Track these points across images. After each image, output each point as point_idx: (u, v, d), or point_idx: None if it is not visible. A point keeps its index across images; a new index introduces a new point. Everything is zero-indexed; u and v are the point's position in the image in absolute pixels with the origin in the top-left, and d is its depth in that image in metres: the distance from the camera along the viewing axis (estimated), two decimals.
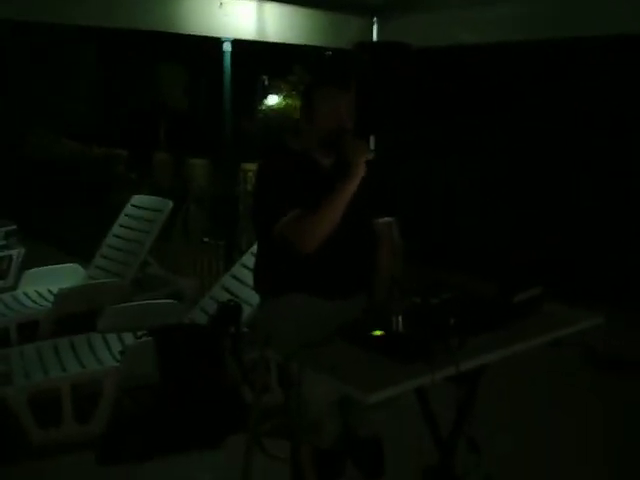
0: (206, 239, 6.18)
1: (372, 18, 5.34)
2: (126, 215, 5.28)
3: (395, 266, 2.85)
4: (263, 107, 12.69)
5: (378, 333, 2.18)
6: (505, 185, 7.23)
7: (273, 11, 4.89)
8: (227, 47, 5.10)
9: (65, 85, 12.12)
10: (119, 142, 12.02)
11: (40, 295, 4.96)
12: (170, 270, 5.53)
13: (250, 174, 6.65)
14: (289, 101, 12.57)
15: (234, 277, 4.41)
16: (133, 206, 5.29)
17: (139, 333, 3.90)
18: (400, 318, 2.18)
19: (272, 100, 12.61)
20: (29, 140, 12.06)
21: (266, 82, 12.55)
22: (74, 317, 4.63)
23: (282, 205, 2.58)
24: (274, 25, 4.91)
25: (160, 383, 3.71)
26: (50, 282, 5.06)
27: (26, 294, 4.98)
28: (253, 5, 4.79)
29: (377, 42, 4.99)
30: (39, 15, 4.12)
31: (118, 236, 5.20)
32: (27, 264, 5.84)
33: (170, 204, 5.03)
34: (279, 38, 4.97)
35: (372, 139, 5.31)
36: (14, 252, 6.00)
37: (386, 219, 2.87)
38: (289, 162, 2.69)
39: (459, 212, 7.36)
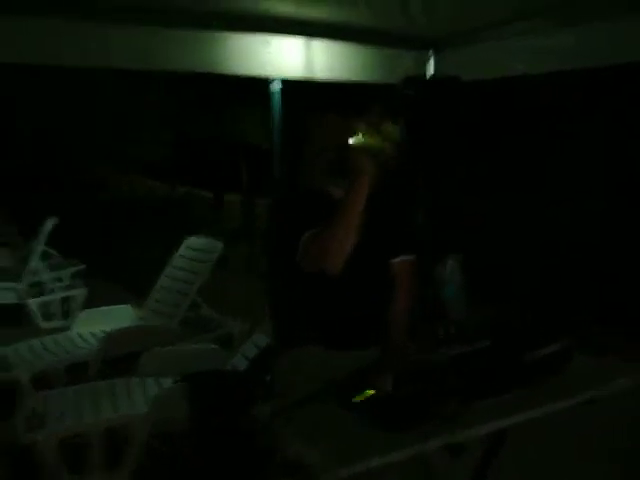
0: None
1: (427, 52, 5.19)
2: (180, 256, 5.28)
3: (410, 312, 2.66)
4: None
5: (368, 394, 1.99)
6: (561, 225, 6.88)
7: (321, 47, 4.81)
8: (276, 86, 5.04)
9: (147, 129, 12.47)
10: (200, 183, 12.21)
11: (93, 336, 4.99)
12: (224, 312, 5.47)
13: None
14: (371, 140, 12.37)
15: None
16: (187, 248, 5.29)
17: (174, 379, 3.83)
18: (391, 377, 1.98)
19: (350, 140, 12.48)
20: (111, 182, 12.48)
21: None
22: (124, 359, 4.64)
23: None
24: (322, 62, 4.82)
25: (189, 430, 3.63)
26: (103, 323, 5.08)
27: (80, 335, 5.02)
28: (300, 42, 4.73)
29: (424, 76, 4.81)
30: (78, 61, 4.18)
31: (170, 277, 5.20)
32: (96, 304, 5.92)
33: (220, 245, 4.99)
34: (328, 76, 4.87)
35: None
36: (77, 292, 6.11)
37: (405, 258, 2.68)
38: (301, 203, 2.57)
39: (518, 250, 7.02)
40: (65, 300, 6.07)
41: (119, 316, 5.17)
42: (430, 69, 5.09)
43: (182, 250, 5.28)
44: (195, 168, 12.51)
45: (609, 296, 6.53)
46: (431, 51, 5.18)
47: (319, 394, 2.07)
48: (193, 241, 5.27)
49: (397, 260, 2.66)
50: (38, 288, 6.34)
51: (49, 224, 6.72)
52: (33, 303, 5.91)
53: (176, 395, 3.65)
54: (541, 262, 7.07)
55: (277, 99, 5.08)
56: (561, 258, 6.98)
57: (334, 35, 4.81)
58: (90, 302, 6.25)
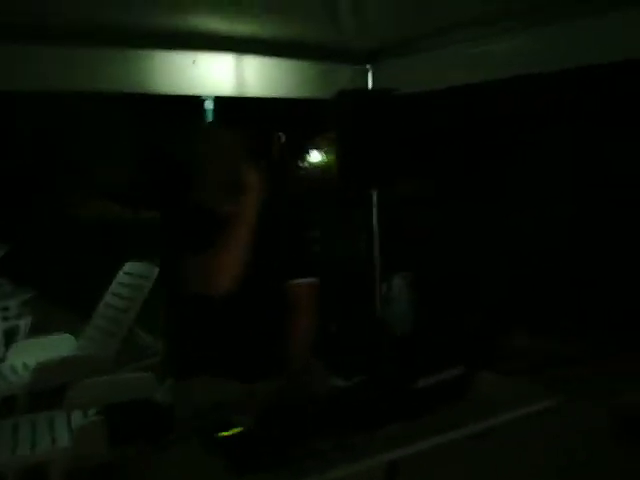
0: None
1: (365, 65, 5.09)
2: (117, 282, 5.12)
3: (309, 338, 2.51)
4: (305, 165, 12.44)
5: (235, 431, 1.84)
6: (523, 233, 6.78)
7: (253, 64, 4.70)
8: (208, 105, 4.93)
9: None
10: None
11: (26, 368, 4.81)
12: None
13: None
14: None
15: None
16: (124, 274, 5.13)
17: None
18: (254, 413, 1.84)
19: (314, 157, 12.37)
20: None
21: (282, 139, 12.27)
22: (58, 392, 4.47)
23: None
24: (255, 79, 4.71)
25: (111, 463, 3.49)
26: (39, 353, 4.91)
27: (12, 366, 4.84)
28: (231, 59, 4.62)
29: (357, 89, 4.70)
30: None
31: (107, 304, 5.04)
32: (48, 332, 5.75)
33: (156, 270, 4.83)
34: (261, 92, 4.76)
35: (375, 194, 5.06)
36: (21, 322, 5.93)
37: (304, 280, 2.54)
38: (186, 220, 2.44)
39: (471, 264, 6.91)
40: (11, 330, 5.89)
41: (57, 346, 4.99)
42: (368, 82, 5.00)
43: (119, 276, 5.12)
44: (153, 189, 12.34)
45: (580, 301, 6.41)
46: (368, 64, 5.11)
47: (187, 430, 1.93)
48: (130, 267, 5.11)
49: (295, 282, 2.52)
50: None
51: None
52: None
53: (96, 428, 3.50)
54: (503, 272, 6.96)
55: (209, 117, 4.97)
56: (525, 267, 6.88)
57: (266, 51, 4.72)
58: (43, 330, 6.06)
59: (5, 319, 6.15)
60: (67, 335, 5.13)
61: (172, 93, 4.49)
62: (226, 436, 1.80)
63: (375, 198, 5.02)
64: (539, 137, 7.27)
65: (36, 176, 11.98)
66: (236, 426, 1.82)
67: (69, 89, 4.32)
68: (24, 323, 5.98)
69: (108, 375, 4.35)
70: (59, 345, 5.02)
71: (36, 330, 6.11)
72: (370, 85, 5.07)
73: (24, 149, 12.31)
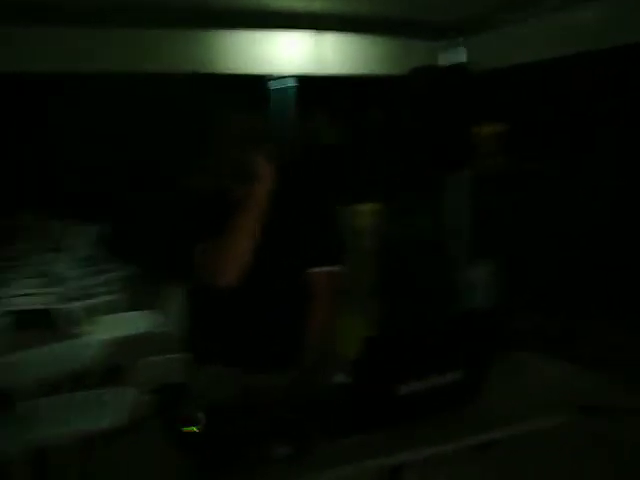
0: None
1: (444, 41, 4.79)
2: None
3: (331, 331, 2.36)
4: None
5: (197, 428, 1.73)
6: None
7: (332, 41, 4.54)
8: (282, 84, 4.80)
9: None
10: None
11: (101, 343, 4.90)
12: None
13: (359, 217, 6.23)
14: None
15: None
16: None
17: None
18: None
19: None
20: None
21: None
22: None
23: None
24: (333, 56, 4.56)
25: None
26: (117, 330, 5.00)
27: (88, 342, 4.94)
28: (308, 37, 4.48)
29: (432, 66, 4.43)
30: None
31: None
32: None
33: None
34: (339, 70, 4.60)
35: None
36: (109, 298, 6.07)
37: (325, 268, 2.38)
38: (197, 204, 2.35)
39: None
40: (99, 305, 6.06)
41: (136, 322, 5.08)
42: (450, 58, 4.72)
43: None
44: None
45: None
46: (458, 39, 4.82)
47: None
48: None
49: (314, 271, 2.36)
50: (81, 292, 6.38)
51: (94, 230, 6.77)
52: (65, 308, 5.93)
53: (145, 406, 3.50)
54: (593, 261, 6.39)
55: (285, 97, 4.84)
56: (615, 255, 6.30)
57: (344, 28, 4.55)
58: (137, 307, 6.20)
59: (93, 295, 6.34)
60: (147, 312, 5.20)
61: (249, 72, 4.44)
62: (185, 432, 1.70)
63: (453, 179, 4.76)
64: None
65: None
66: (200, 422, 1.71)
67: (133, 70, 4.32)
68: (113, 299, 6.12)
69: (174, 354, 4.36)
70: (138, 322, 5.10)
71: (132, 307, 6.25)
72: (462, 60, 4.80)
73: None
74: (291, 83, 4.80)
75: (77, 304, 6.08)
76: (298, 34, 4.48)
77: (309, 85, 4.79)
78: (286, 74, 4.70)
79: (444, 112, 4.19)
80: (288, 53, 4.49)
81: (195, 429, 1.70)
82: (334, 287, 2.38)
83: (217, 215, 2.22)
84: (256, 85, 4.81)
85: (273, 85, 4.81)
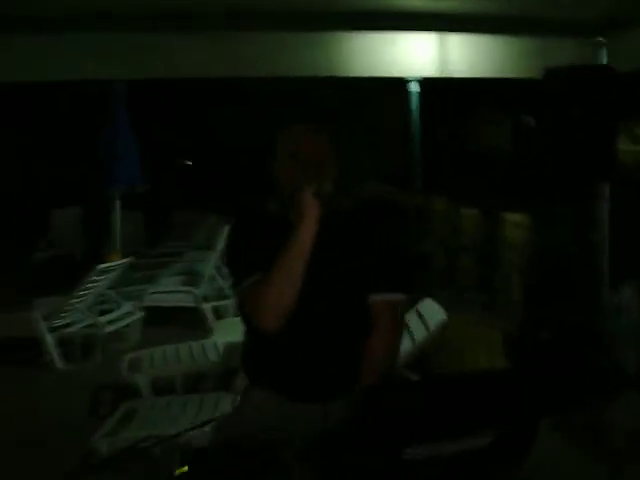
0: None
1: (593, 38, 4.39)
2: None
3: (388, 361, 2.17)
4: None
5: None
6: None
7: (457, 42, 4.30)
8: (414, 87, 4.63)
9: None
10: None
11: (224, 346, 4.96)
12: None
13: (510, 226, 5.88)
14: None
15: None
16: None
17: None
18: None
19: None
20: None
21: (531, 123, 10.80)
22: None
23: (244, 273, 2.14)
24: (459, 58, 4.31)
25: None
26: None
27: (216, 344, 5.02)
28: (433, 38, 4.27)
29: (572, 66, 4.03)
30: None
31: None
32: None
33: None
34: (466, 73, 4.35)
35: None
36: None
37: (389, 296, 2.19)
38: (257, 227, 2.21)
39: None
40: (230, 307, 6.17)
41: None
42: (589, 58, 4.30)
43: None
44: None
45: None
46: (600, 38, 4.40)
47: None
48: None
49: (376, 299, 2.18)
50: (214, 293, 6.56)
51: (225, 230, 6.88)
52: (198, 307, 6.12)
53: None
54: None
55: (414, 101, 4.66)
56: None
57: (470, 28, 4.29)
58: None
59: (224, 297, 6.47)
60: None
61: (371, 75, 4.30)
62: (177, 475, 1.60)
63: (595, 189, 4.35)
64: None
65: None
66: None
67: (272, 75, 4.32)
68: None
69: None
70: None
71: None
72: (604, 61, 4.39)
73: None
74: (415, 87, 4.62)
75: (207, 305, 6.24)
76: (422, 35, 4.29)
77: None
78: (410, 77, 4.54)
79: (585, 116, 3.81)
80: (412, 55, 4.32)
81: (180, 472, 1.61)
82: (396, 316, 2.20)
83: (268, 247, 2.10)
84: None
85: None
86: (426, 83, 4.81)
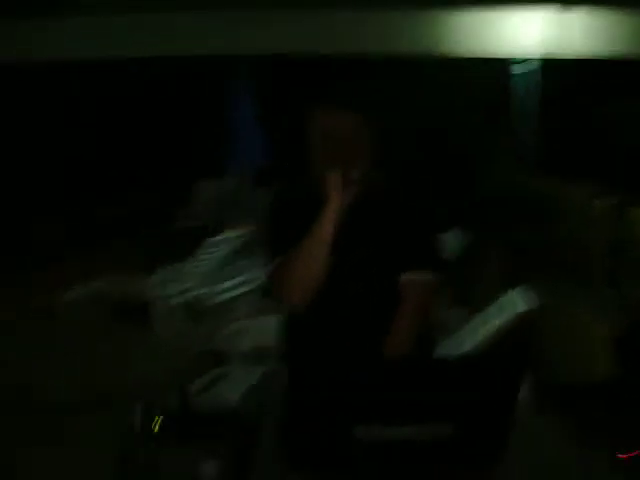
0: None
1: None
2: None
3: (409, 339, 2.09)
4: None
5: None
6: None
7: (576, 18, 4.01)
8: (519, 69, 4.36)
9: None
10: None
11: None
12: None
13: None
14: None
15: None
16: None
17: None
18: None
19: None
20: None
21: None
22: None
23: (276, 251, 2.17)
24: (579, 35, 4.02)
25: None
26: None
27: None
28: (546, 14, 4.00)
29: None
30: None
31: None
32: None
33: None
34: (587, 51, 4.04)
35: None
36: None
37: (416, 276, 2.11)
38: (292, 206, 2.21)
39: None
40: None
41: None
42: None
43: None
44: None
45: None
46: None
47: None
48: None
49: (405, 278, 2.10)
50: None
51: None
52: None
53: None
54: None
55: (522, 83, 4.41)
56: None
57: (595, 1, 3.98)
58: None
59: None
60: None
61: (477, 55, 4.12)
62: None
63: None
64: None
65: None
66: None
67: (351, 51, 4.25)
68: None
69: None
70: None
71: None
72: None
73: None
74: (534, 66, 4.37)
75: None
76: (541, 11, 4.04)
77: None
78: (529, 56, 4.28)
79: None
80: (530, 33, 4.09)
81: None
82: (424, 295, 2.12)
83: (300, 227, 2.09)
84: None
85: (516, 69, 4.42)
86: (551, 64, 4.54)
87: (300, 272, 2.04)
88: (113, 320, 5.60)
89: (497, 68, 4.42)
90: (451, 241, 4.59)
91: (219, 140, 7.57)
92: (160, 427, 1.89)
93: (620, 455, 2.34)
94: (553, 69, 4.36)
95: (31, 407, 3.28)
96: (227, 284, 6.25)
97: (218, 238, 5.85)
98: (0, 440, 2.79)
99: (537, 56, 4.14)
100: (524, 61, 4.36)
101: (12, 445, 2.77)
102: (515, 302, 3.59)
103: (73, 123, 7.56)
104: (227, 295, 6.09)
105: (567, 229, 6.91)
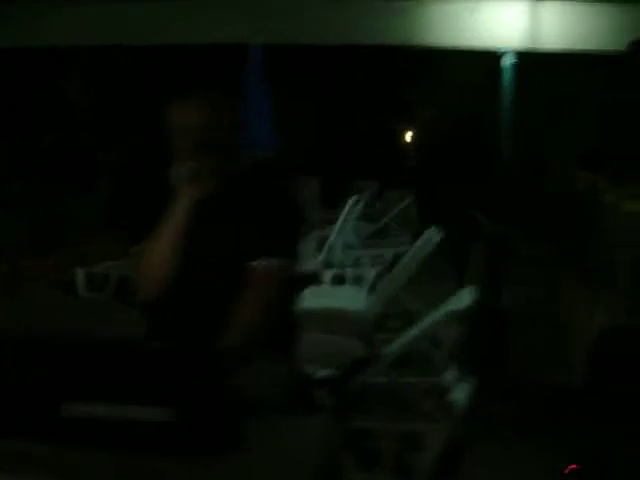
0: None
1: None
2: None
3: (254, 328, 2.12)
4: None
5: None
6: None
7: (552, 11, 3.89)
8: (507, 60, 4.25)
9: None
10: None
11: None
12: None
13: None
14: None
15: None
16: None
17: None
18: None
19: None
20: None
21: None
22: None
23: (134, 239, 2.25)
24: (552, 29, 3.90)
25: None
26: (321, 300, 5.02)
27: None
28: (524, 7, 3.89)
29: None
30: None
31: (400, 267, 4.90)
32: None
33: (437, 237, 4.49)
34: (560, 45, 3.92)
35: None
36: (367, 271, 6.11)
37: (261, 262, 2.13)
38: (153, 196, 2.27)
39: None
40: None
41: (345, 297, 5.05)
42: None
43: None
44: None
45: None
46: None
47: None
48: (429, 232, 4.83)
49: (252, 264, 2.12)
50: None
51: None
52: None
53: None
54: None
55: (507, 75, 4.28)
56: None
57: None
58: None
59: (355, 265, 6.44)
60: (359, 289, 5.16)
61: (451, 47, 4.05)
62: None
63: None
64: None
65: None
66: None
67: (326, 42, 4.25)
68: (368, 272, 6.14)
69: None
70: (347, 297, 5.09)
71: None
72: None
73: None
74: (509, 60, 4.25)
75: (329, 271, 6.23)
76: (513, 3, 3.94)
77: None
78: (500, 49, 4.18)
79: None
80: (501, 26, 4.00)
81: None
82: (269, 280, 2.14)
83: (155, 217, 2.14)
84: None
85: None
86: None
87: (150, 264, 2.09)
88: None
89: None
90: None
91: None
92: None
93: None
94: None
95: None
96: None
97: None
98: None
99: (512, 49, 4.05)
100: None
101: None
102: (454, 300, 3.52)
103: None
104: None
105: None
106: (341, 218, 6.71)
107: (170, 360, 1.52)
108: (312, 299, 4.91)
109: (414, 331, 3.54)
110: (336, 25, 4.04)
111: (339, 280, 6.35)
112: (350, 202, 6.64)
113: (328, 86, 11.18)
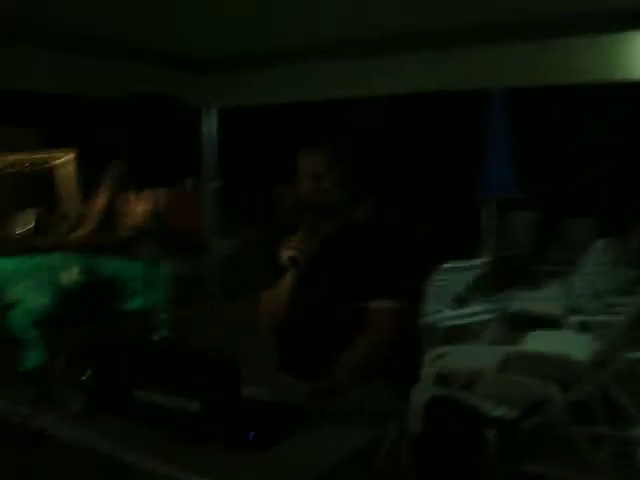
0: None
1: None
2: None
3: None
4: None
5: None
6: None
7: None
8: None
9: None
10: None
11: None
12: None
13: None
14: None
15: None
16: None
17: None
18: None
19: None
20: None
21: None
22: None
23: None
24: None
25: None
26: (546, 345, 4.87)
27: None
28: None
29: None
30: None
31: None
32: None
33: None
34: None
35: None
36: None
37: (380, 303, 2.27)
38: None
39: None
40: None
41: (565, 343, 4.83)
42: None
43: None
44: None
45: None
46: None
47: None
48: None
49: (371, 305, 2.26)
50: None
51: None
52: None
53: None
54: None
55: None
56: None
57: None
58: None
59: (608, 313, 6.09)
60: (584, 337, 4.90)
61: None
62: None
63: None
64: None
65: None
66: None
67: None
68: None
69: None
70: (567, 342, 4.86)
71: None
72: None
73: None
74: None
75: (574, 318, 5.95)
76: None
77: None
78: None
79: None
80: None
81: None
82: (388, 322, 2.28)
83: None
84: None
85: None
86: None
87: (266, 305, 2.42)
88: None
89: None
90: None
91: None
92: None
93: None
94: None
95: None
96: (463, 310, 6.37)
97: (449, 265, 6.00)
98: None
99: None
100: None
101: None
102: None
103: None
104: (460, 321, 6.21)
105: None
106: (588, 262, 6.42)
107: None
108: (533, 342, 4.85)
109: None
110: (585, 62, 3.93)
111: (583, 327, 6.08)
112: (597, 246, 6.34)
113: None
